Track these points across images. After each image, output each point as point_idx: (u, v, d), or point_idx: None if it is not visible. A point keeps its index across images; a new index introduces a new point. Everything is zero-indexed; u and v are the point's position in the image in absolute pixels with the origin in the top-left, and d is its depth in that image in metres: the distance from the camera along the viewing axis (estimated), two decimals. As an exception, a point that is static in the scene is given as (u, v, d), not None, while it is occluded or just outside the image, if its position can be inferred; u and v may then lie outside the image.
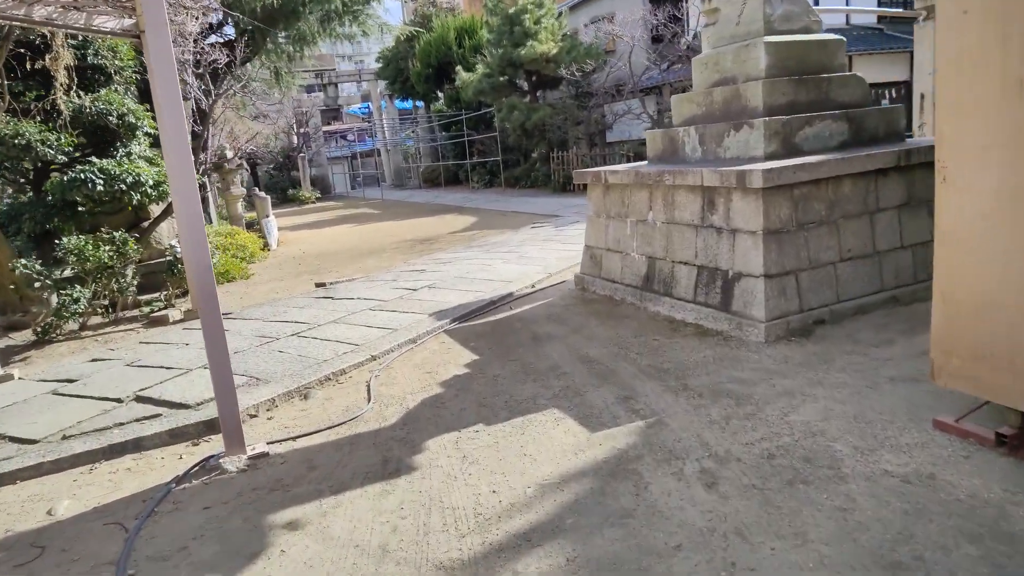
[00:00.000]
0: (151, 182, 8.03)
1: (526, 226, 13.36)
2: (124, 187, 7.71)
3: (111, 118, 8.07)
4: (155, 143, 9.12)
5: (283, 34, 14.89)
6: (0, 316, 8.20)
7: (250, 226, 16.81)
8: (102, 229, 7.60)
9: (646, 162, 6.96)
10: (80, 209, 8.20)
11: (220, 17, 11.97)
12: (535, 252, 9.66)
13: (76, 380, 5.42)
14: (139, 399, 4.76)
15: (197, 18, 9.33)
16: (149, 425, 4.24)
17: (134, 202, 7.97)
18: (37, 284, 6.97)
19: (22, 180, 8.48)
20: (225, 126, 21.36)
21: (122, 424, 4.31)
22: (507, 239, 11.64)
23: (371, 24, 13.08)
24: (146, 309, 8.46)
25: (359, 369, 5.23)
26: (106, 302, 8.02)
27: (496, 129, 25.21)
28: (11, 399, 5.12)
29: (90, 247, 7.24)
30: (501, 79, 22.41)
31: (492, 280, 7.85)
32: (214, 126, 13.80)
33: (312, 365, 5.20)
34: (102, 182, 7.56)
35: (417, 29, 26.27)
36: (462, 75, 24.08)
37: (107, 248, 7.42)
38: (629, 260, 6.37)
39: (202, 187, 13.04)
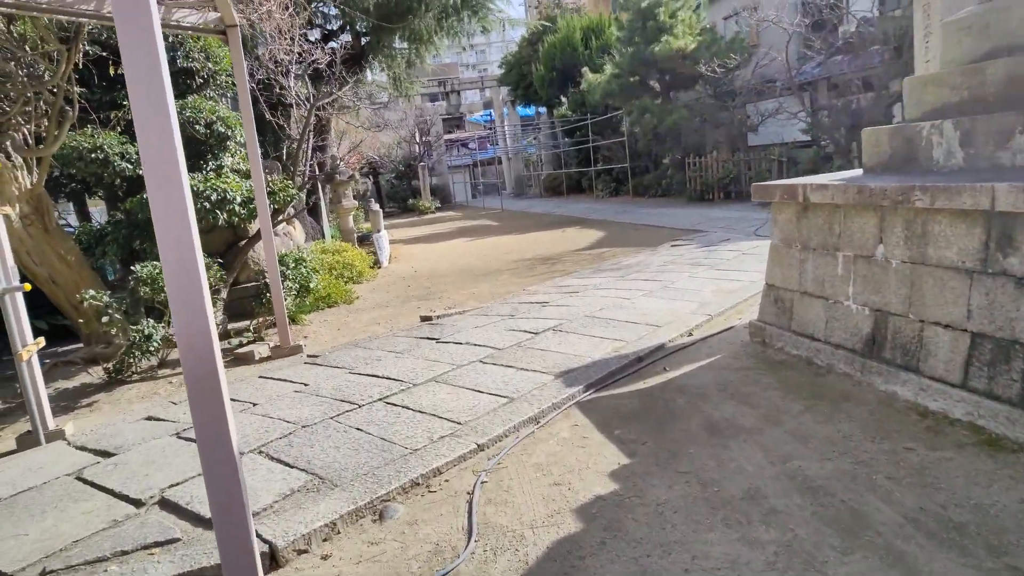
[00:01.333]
0: (239, 199, 7.01)
1: (665, 244, 11.53)
2: (208, 205, 6.71)
3: (198, 127, 7.12)
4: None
5: (398, 36, 13.93)
6: (84, 348, 7.48)
7: (365, 239, 16.04)
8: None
9: (859, 171, 5.06)
10: (168, 228, 7.32)
11: (329, 12, 11.04)
12: (684, 281, 7.87)
13: (113, 454, 4.29)
14: (163, 503, 3.50)
15: (298, 13, 8.32)
16: (154, 566, 2.92)
17: (219, 222, 6.97)
18: (105, 319, 6.05)
19: (112, 198, 7.76)
20: (344, 138, 21.02)
21: (124, 554, 3.03)
22: (644, 261, 9.89)
23: (492, 19, 11.76)
24: (234, 341, 7.49)
25: (460, 467, 3.73)
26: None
27: (623, 134, 23.44)
28: (32, 479, 4.05)
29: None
30: (631, 80, 20.62)
31: (634, 322, 6.18)
32: (323, 136, 13.00)
33: (397, 458, 3.75)
34: (183, 199, 6.59)
35: (544, 23, 24.94)
36: (588, 77, 22.51)
37: (185, 276, 6.43)
38: (840, 311, 4.50)
39: (310, 197, 12.23)
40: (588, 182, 27.65)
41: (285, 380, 5.55)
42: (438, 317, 7.46)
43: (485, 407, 4.41)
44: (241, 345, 7.39)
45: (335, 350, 6.56)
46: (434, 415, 4.36)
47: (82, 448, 4.55)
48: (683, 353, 5.30)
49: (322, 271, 10.51)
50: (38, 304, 7.21)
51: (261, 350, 7.02)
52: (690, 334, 5.78)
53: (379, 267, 12.75)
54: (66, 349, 7.80)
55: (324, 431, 4.27)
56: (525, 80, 31.60)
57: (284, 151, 9.22)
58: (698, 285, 7.55)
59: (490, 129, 41.52)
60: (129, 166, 6.64)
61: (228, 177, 7.30)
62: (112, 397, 6.10)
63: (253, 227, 8.82)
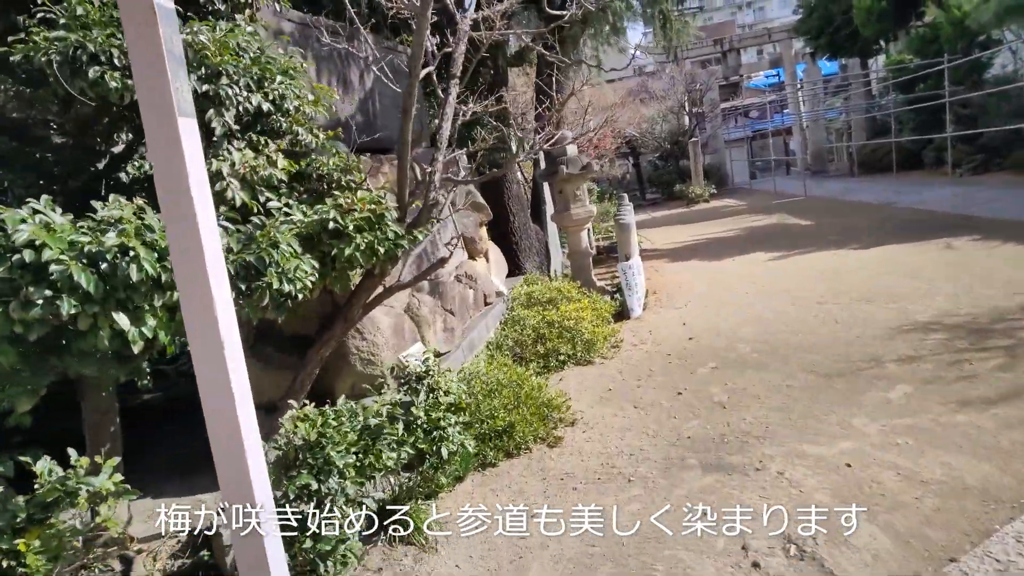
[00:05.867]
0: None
1: None
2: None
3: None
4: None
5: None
6: None
7: (610, 252, 11.04)
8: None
9: None
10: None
11: None
12: None
13: None
14: None
15: None
16: None
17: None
18: None
19: None
20: (587, 110, 16.09)
21: None
22: None
23: None
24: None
25: None
26: None
27: (994, 83, 15.28)
28: None
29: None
30: (1051, -16, 12.69)
31: None
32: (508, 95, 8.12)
33: None
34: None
35: None
36: (958, -6, 14.79)
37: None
38: None
39: (535, 205, 7.44)
40: (934, 154, 19.50)
41: None
42: None
43: None
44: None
45: None
46: None
47: None
48: None
49: (488, 395, 5.69)
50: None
51: None
52: None
53: (628, 319, 7.61)
54: None
55: None
56: (831, 24, 23.90)
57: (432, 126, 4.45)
58: None
59: (774, 92, 33.77)
60: None
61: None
62: None
63: (356, 277, 4.23)
